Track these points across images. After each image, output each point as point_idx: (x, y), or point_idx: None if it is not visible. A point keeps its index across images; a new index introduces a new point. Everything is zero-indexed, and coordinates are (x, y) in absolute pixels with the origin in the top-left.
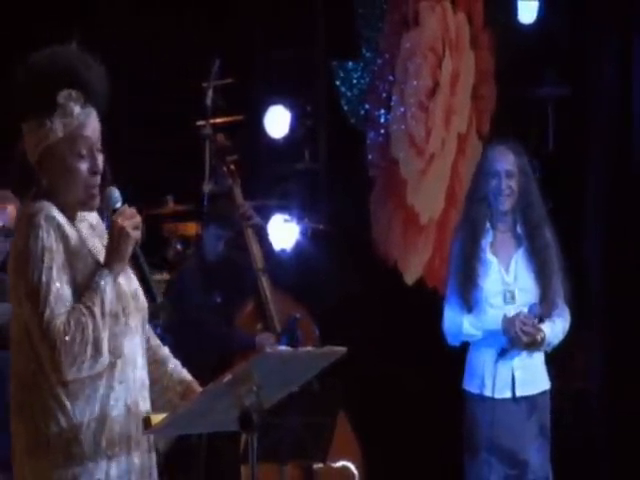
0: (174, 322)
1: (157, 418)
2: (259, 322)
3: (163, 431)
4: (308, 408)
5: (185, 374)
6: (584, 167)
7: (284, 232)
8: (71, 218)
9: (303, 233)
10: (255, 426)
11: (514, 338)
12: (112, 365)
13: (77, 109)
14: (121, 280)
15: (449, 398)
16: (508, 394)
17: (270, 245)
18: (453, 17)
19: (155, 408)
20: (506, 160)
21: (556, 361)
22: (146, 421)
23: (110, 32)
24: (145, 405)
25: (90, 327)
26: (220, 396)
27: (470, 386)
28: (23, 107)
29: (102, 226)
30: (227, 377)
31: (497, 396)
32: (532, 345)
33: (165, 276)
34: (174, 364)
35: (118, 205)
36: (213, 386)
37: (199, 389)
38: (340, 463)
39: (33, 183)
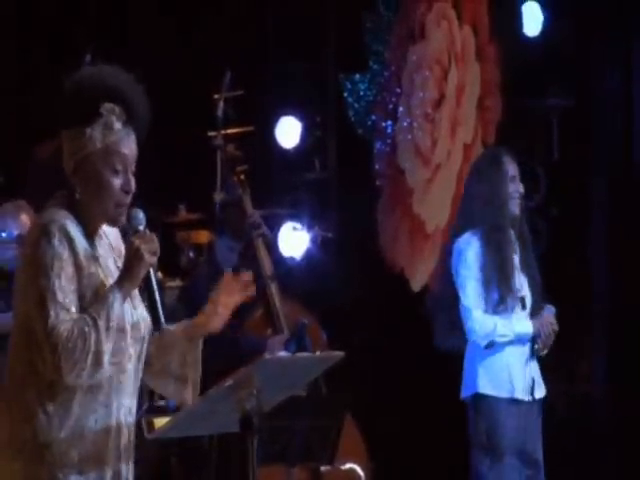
0: None
1: (160, 422)
2: (268, 328)
3: (166, 433)
4: (316, 411)
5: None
6: (588, 176)
7: (294, 240)
8: (92, 232)
9: (313, 241)
10: (255, 428)
11: (545, 340)
12: (99, 386)
13: (118, 125)
14: (126, 306)
15: (455, 402)
16: (529, 396)
17: (278, 253)
18: (459, 30)
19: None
20: (514, 166)
21: (562, 365)
22: (149, 424)
23: (126, 47)
24: (125, 432)
25: (92, 338)
26: (221, 399)
27: (494, 390)
28: (66, 114)
29: (122, 247)
30: (228, 381)
31: (525, 398)
32: (545, 350)
33: (178, 282)
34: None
35: (141, 227)
36: (215, 390)
37: (198, 325)
38: (347, 465)
39: (59, 192)
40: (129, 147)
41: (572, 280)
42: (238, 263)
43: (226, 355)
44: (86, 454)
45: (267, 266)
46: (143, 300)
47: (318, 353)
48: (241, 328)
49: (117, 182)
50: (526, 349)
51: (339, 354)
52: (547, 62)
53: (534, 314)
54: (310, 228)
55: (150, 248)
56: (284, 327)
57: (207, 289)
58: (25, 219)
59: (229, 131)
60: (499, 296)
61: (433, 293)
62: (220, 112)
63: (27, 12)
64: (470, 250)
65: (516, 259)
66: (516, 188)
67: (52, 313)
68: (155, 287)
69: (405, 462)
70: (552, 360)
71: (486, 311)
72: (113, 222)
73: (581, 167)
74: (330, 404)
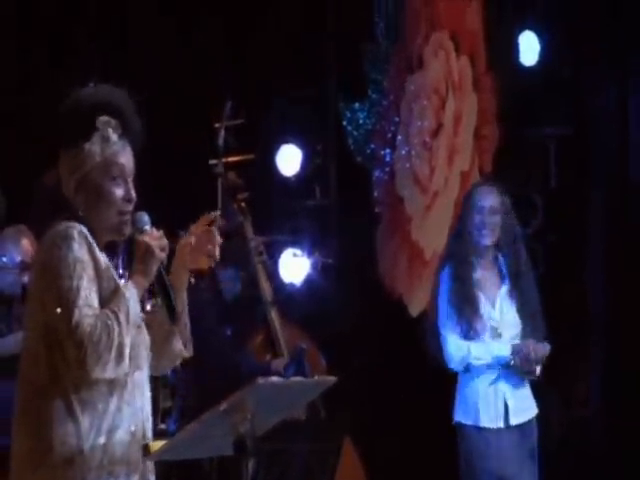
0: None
1: (156, 445)
2: (268, 353)
3: (162, 456)
4: (315, 435)
5: None
6: (585, 203)
7: (295, 266)
8: (101, 248)
9: (314, 267)
10: (249, 452)
11: (522, 363)
12: (123, 384)
13: (114, 137)
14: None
15: (452, 426)
16: (501, 423)
17: (279, 279)
18: (456, 60)
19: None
20: (490, 197)
21: (559, 389)
22: (145, 448)
23: (129, 76)
24: (148, 435)
25: (116, 331)
26: (216, 423)
27: (464, 418)
28: (64, 133)
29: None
30: (223, 405)
31: (492, 426)
32: (530, 374)
33: None
34: None
35: (147, 227)
36: (209, 414)
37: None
38: None
39: (61, 214)
40: (127, 158)
41: (569, 305)
42: (240, 290)
43: (227, 378)
44: (114, 458)
45: (268, 292)
46: (157, 296)
47: (316, 377)
48: (242, 352)
49: (118, 192)
50: (498, 376)
51: (332, 379)
52: (544, 91)
53: (527, 337)
54: (310, 254)
55: (159, 244)
56: (284, 352)
57: (210, 316)
58: (26, 244)
59: (230, 159)
60: (467, 325)
61: (427, 319)
62: (221, 140)
63: (27, 12)
64: (443, 280)
65: (504, 289)
66: (484, 219)
67: (76, 310)
68: (167, 282)
69: None
70: (550, 384)
71: (462, 337)
72: (118, 233)
73: (578, 194)
74: (329, 428)
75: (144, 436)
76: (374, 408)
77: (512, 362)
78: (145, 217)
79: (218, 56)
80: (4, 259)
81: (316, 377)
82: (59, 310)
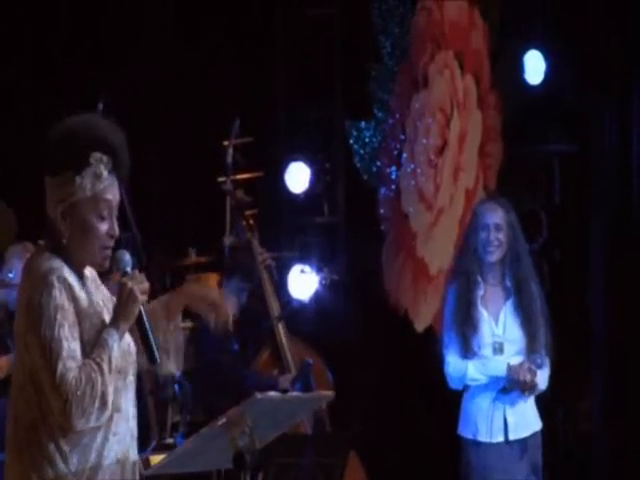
0: (196, 369)
1: (156, 459)
2: (275, 368)
3: (162, 470)
4: (321, 449)
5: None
6: (588, 219)
7: (303, 282)
8: (79, 274)
9: (321, 283)
10: (248, 465)
11: (518, 383)
12: (110, 418)
13: (105, 173)
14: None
15: (456, 439)
16: (501, 438)
17: (287, 294)
18: (461, 79)
19: None
20: (495, 215)
21: (564, 405)
22: (146, 461)
23: (138, 95)
24: (134, 455)
25: (99, 382)
26: (215, 437)
27: (465, 432)
28: (56, 161)
29: (98, 280)
30: (222, 420)
31: (491, 440)
32: (530, 390)
33: (188, 324)
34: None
35: (128, 269)
36: (208, 428)
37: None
38: None
39: (46, 238)
40: (114, 194)
41: (572, 322)
42: (246, 304)
43: (232, 392)
44: None
45: (274, 307)
46: (136, 336)
47: (314, 393)
48: (249, 367)
49: (103, 227)
50: (498, 392)
51: (328, 394)
52: (549, 109)
53: (532, 353)
54: (319, 271)
55: (141, 288)
56: (291, 366)
57: (216, 331)
58: None
59: (238, 176)
60: (466, 345)
61: (435, 335)
62: (229, 158)
63: (41, 51)
64: (449, 299)
65: (509, 304)
66: (489, 237)
67: (60, 362)
68: (147, 323)
69: None
70: (555, 400)
71: (462, 356)
72: (99, 265)
73: (580, 211)
74: (335, 442)
75: (127, 458)
76: (379, 421)
77: (508, 385)
78: (127, 256)
79: (227, 75)
80: (10, 275)
81: (313, 393)
82: (42, 361)
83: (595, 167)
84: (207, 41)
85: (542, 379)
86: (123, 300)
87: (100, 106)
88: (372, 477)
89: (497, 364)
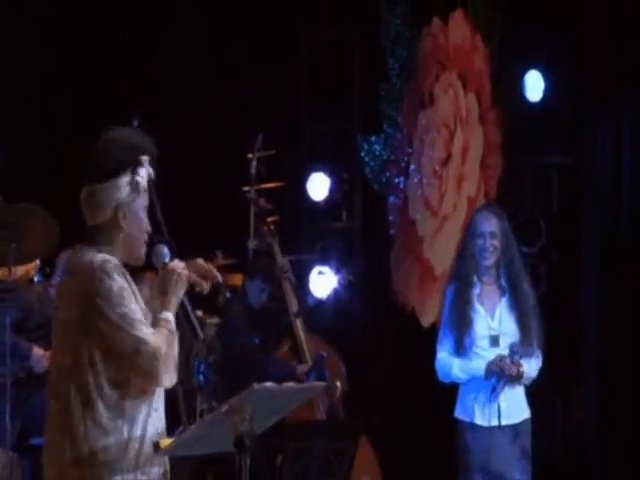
0: (222, 360)
1: (165, 442)
2: (293, 360)
3: (171, 452)
4: (334, 434)
5: None
6: (583, 225)
7: (322, 282)
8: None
9: (340, 283)
10: (247, 449)
11: (499, 373)
12: (152, 392)
13: (152, 173)
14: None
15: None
16: (495, 422)
17: (307, 293)
18: (464, 98)
19: None
20: (490, 223)
21: (560, 396)
22: (156, 445)
23: (168, 111)
24: (164, 433)
25: (173, 346)
26: (218, 423)
27: (462, 415)
28: (109, 167)
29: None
30: (224, 407)
31: (486, 424)
32: (515, 379)
33: (216, 320)
34: None
35: (167, 259)
36: (212, 415)
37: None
38: None
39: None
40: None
41: (567, 317)
42: (267, 302)
43: (257, 375)
44: (147, 456)
45: (293, 305)
46: (181, 317)
47: (310, 383)
48: (270, 358)
49: (147, 223)
50: (492, 381)
51: (321, 384)
52: (547, 125)
53: (526, 345)
54: (337, 272)
55: (184, 274)
56: (308, 359)
57: (240, 326)
58: None
59: (262, 186)
60: (457, 340)
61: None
62: (253, 169)
63: (75, 81)
64: (446, 300)
65: (504, 301)
66: (485, 243)
67: (138, 331)
68: (188, 304)
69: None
70: (552, 391)
71: (453, 351)
72: (141, 260)
73: (577, 217)
74: (347, 428)
75: (163, 435)
76: (389, 409)
77: (496, 384)
78: (165, 250)
79: (253, 94)
80: (59, 279)
81: (307, 383)
82: (118, 335)
83: (589, 178)
84: (235, 62)
85: (532, 368)
86: (172, 283)
87: (135, 123)
88: (381, 459)
89: (478, 365)
